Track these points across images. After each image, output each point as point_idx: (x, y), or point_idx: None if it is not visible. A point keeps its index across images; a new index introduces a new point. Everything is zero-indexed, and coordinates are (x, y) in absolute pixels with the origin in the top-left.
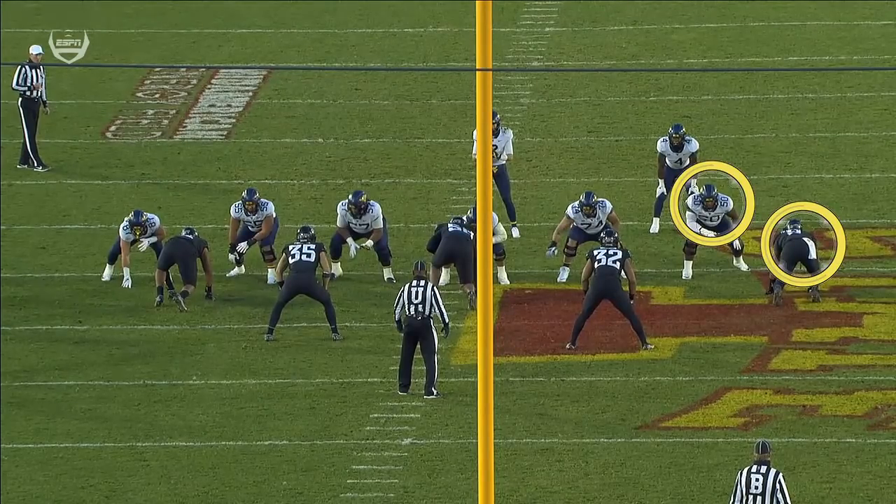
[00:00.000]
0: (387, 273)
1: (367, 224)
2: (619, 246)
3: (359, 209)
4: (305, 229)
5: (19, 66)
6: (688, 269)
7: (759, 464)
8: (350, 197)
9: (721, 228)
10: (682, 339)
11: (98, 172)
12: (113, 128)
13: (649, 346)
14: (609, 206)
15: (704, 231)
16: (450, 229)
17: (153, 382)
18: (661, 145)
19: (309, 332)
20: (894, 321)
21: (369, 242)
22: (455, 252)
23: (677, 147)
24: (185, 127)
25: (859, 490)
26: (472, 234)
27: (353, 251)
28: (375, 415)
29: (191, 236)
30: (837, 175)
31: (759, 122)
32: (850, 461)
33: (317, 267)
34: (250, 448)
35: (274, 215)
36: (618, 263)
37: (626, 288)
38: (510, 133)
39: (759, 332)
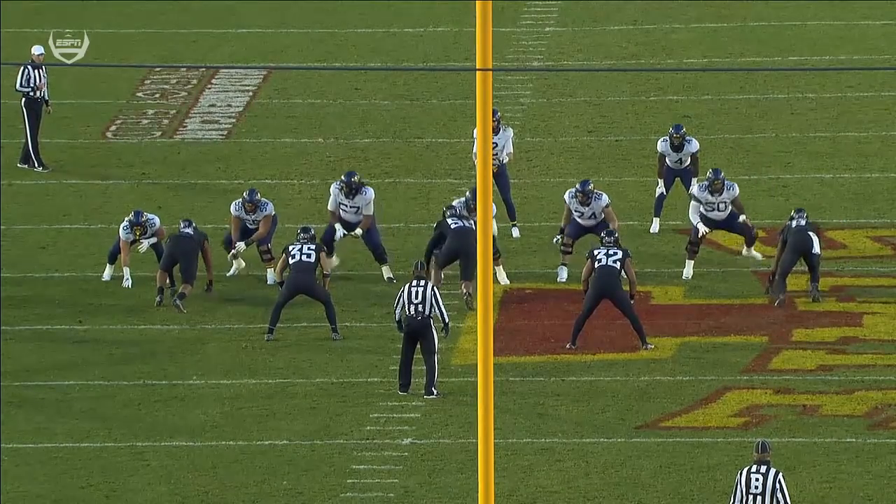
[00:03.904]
0: (386, 272)
1: (358, 207)
2: (619, 246)
3: (350, 189)
4: (305, 229)
5: (22, 67)
6: (689, 269)
7: (759, 464)
8: (343, 177)
9: (729, 220)
10: (682, 339)
11: (98, 172)
12: (113, 128)
13: (649, 346)
14: (605, 198)
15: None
16: (452, 225)
17: (153, 382)
18: (662, 145)
19: (309, 332)
20: (894, 321)
21: (358, 231)
22: (460, 248)
23: (677, 147)
24: (185, 127)
25: (859, 490)
26: (474, 223)
27: (338, 235)
28: (375, 415)
29: (190, 230)
30: (837, 175)
31: (759, 122)
32: (850, 461)
33: (317, 267)
34: (250, 448)
35: (273, 215)
36: (618, 263)
37: (626, 288)
38: (510, 131)
39: (759, 332)
